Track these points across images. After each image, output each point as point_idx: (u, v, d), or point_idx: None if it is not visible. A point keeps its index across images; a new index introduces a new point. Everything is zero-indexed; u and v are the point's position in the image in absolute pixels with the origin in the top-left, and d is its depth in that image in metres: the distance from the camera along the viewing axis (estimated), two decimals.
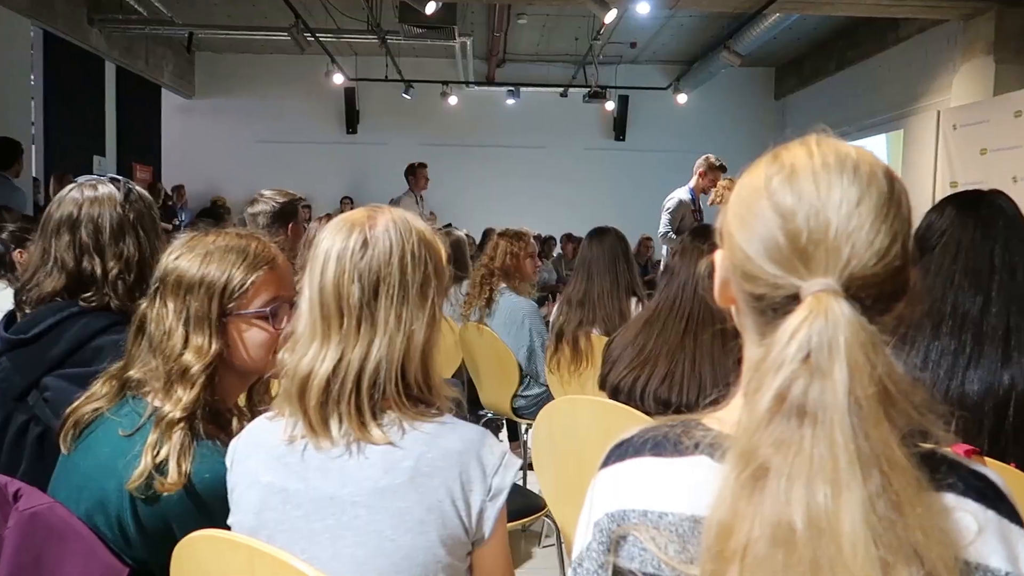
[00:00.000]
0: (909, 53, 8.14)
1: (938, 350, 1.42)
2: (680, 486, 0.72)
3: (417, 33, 8.61)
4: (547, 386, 3.10)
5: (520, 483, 2.81)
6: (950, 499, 0.66)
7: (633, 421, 1.62)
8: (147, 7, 8.35)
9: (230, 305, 1.22)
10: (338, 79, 9.88)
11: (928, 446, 0.68)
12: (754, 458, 0.63)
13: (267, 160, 11.06)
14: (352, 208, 1.27)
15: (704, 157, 5.87)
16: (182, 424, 1.14)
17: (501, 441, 1.16)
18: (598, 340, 2.72)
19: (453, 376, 3.63)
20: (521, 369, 3.20)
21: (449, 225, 9.43)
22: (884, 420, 0.61)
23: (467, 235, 4.73)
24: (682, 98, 10.64)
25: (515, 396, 3.27)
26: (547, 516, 2.28)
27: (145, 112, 10.62)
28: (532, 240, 3.33)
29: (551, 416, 1.84)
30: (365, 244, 1.05)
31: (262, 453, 1.07)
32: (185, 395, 1.16)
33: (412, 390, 1.06)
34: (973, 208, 1.52)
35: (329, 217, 2.72)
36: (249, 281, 1.23)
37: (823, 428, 0.61)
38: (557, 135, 11.67)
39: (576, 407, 1.78)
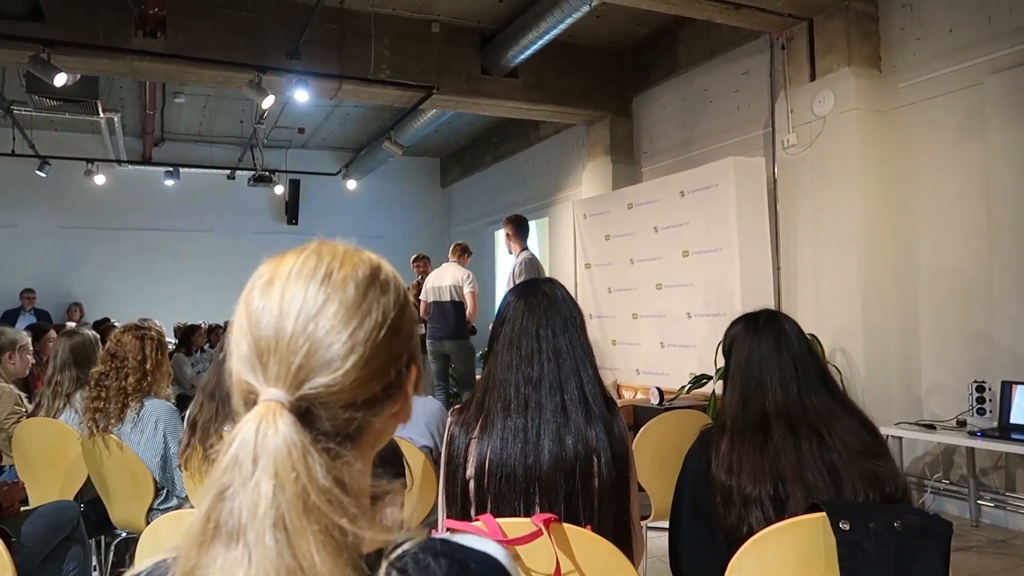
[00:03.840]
0: (549, 151, 9.25)
1: (512, 429, 1.54)
2: None
3: (51, 106, 7.75)
4: (187, 497, 2.82)
5: None
6: None
7: None
8: None
9: None
10: None
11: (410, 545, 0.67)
12: None
13: None
14: None
15: None
16: None
17: None
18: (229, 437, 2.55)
19: (77, 497, 3.15)
20: (156, 480, 2.88)
21: (105, 321, 8.42)
22: (310, 535, 0.60)
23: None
24: (352, 184, 10.86)
25: (151, 511, 2.92)
26: None
27: None
28: (161, 334, 3.05)
29: (156, 532, 1.66)
30: None
31: None
32: None
33: None
34: (524, 296, 1.70)
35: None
36: None
37: (246, 546, 0.59)
38: (226, 218, 11.17)
39: (182, 521, 1.62)
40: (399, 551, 0.65)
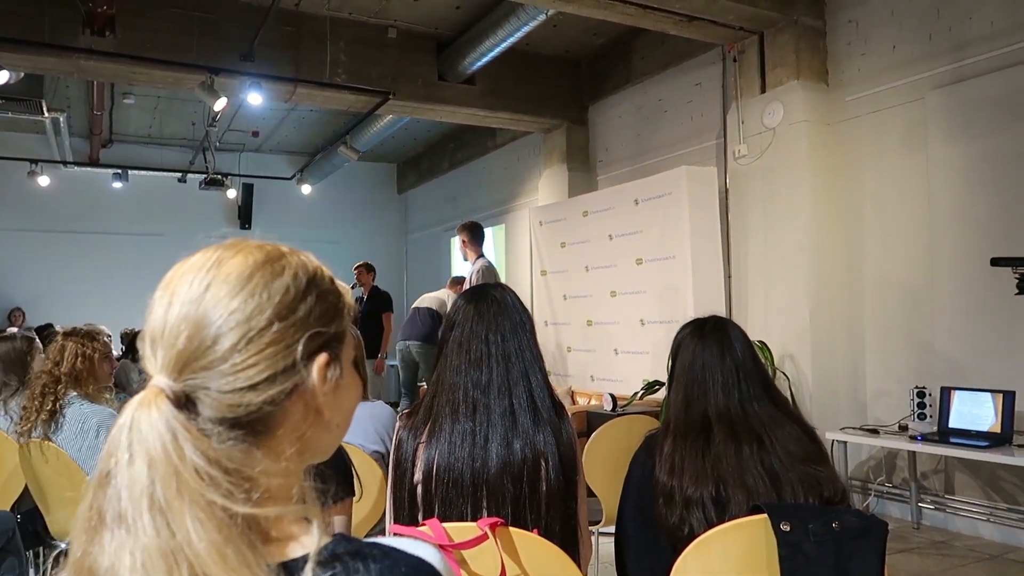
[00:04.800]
0: (505, 158, 9.28)
1: (460, 433, 1.54)
2: None
3: None
4: None
5: None
6: None
7: None
8: None
9: None
10: None
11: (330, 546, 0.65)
12: (82, 571, 0.61)
13: None
14: None
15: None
16: None
17: None
18: None
19: (13, 507, 3.04)
20: None
21: (48, 327, 8.16)
22: (187, 514, 0.60)
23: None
24: (306, 189, 10.74)
25: None
26: None
27: None
28: (106, 339, 2.98)
29: None
30: None
31: None
32: None
33: None
34: (474, 301, 1.70)
35: None
36: None
37: (128, 529, 0.60)
38: (176, 222, 10.89)
39: None
40: (328, 554, 0.64)
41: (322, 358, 0.73)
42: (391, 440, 2.73)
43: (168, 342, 0.67)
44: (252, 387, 0.68)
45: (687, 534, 1.57)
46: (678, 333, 1.86)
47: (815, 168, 5.11)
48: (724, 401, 1.69)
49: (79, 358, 2.83)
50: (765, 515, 1.48)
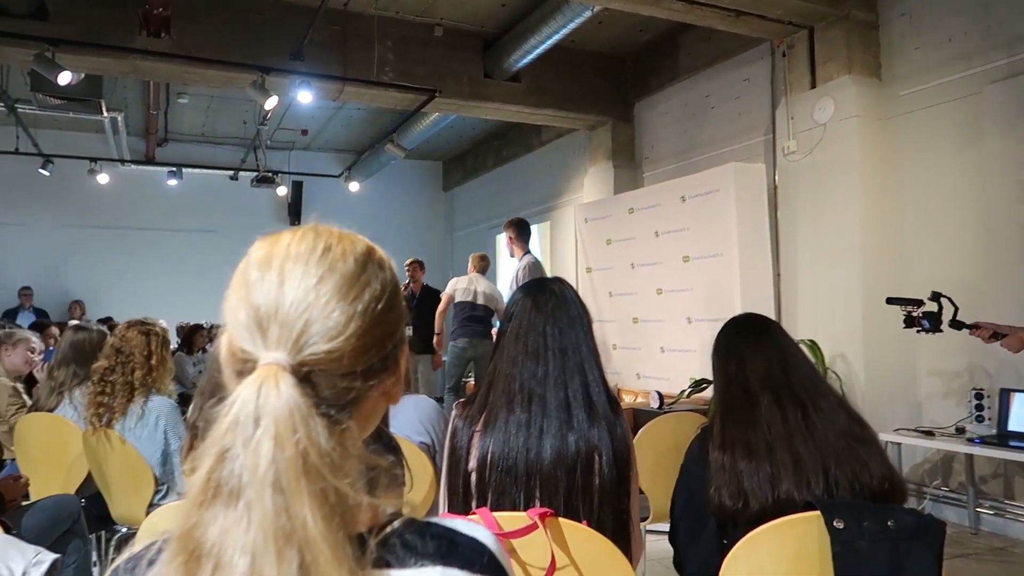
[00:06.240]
0: (551, 155, 9.27)
1: (515, 423, 1.56)
2: None
3: (55, 104, 7.78)
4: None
5: None
6: (394, 573, 0.66)
7: None
8: None
9: None
10: None
11: (396, 524, 0.68)
12: (190, 541, 0.61)
13: None
14: None
15: None
16: None
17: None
18: None
19: (78, 491, 3.16)
20: (156, 476, 2.89)
21: (108, 320, 8.45)
22: (306, 497, 0.60)
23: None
24: (354, 186, 10.89)
25: (151, 506, 2.94)
26: None
27: None
28: (166, 330, 3.08)
29: (155, 524, 1.70)
30: None
31: None
32: None
33: None
34: (532, 294, 1.73)
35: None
36: None
37: (246, 506, 0.60)
38: (228, 218, 11.16)
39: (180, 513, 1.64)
40: (387, 531, 0.66)
41: (405, 346, 0.78)
42: (435, 432, 2.77)
43: (286, 322, 0.67)
44: (365, 372, 0.70)
45: (742, 508, 1.59)
46: (716, 337, 1.91)
47: (867, 164, 5.00)
48: (764, 368, 1.73)
49: (144, 348, 2.93)
50: (818, 512, 1.47)
